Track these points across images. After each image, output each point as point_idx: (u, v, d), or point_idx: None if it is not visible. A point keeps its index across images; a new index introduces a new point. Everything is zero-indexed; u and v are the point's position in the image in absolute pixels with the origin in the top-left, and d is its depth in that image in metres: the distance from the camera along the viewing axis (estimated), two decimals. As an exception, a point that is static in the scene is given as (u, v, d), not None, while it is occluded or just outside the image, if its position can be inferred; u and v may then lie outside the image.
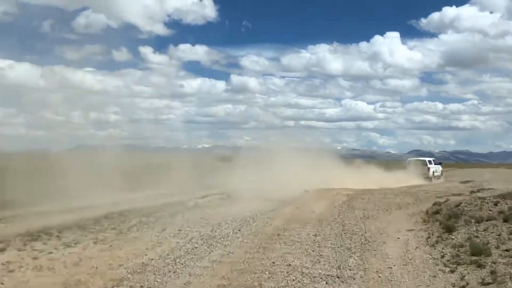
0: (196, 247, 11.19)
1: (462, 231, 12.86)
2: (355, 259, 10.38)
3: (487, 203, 16.29)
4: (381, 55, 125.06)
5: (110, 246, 11.31)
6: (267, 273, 9.25)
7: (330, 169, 36.65)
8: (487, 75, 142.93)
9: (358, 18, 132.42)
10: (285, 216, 15.86)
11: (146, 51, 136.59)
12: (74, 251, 10.79)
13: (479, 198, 18.05)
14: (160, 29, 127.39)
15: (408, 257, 10.65)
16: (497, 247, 10.91)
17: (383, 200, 21.82)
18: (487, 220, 13.99)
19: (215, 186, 26.67)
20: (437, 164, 45.36)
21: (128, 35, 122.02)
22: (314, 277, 9.06)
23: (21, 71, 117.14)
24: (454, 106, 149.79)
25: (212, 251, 10.93)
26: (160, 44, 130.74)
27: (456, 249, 11.20)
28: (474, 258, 10.16)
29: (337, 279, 8.99)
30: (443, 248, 11.29)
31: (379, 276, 9.22)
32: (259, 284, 8.67)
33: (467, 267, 9.68)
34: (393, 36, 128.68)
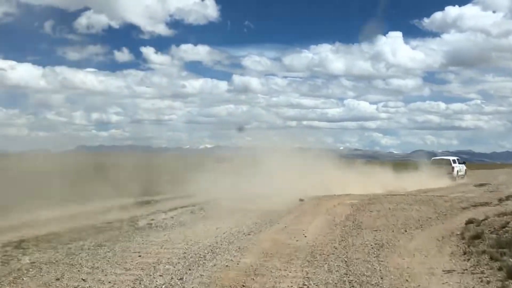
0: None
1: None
2: None
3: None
4: (383, 55, 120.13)
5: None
6: None
7: (332, 171, 31.52)
8: (490, 75, 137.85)
9: (360, 17, 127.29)
10: (263, 245, 10.69)
11: (148, 51, 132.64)
12: None
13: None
14: (162, 29, 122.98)
15: None
16: None
17: (396, 213, 16.79)
18: None
19: (194, 194, 21.67)
20: (461, 163, 42.86)
21: (130, 36, 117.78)
22: None
23: (23, 72, 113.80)
24: (457, 106, 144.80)
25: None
26: (162, 44, 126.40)
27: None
28: None
29: None
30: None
31: None
32: None
33: None
34: (396, 36, 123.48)
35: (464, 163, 44.00)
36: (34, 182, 18.09)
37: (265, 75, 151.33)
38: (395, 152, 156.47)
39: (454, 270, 8.85)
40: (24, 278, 7.91)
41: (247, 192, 22.26)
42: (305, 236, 11.72)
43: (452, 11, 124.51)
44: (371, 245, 11.01)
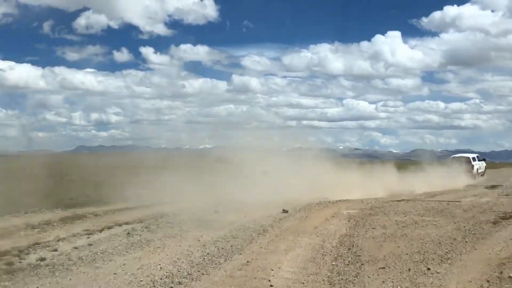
0: None
1: None
2: None
3: None
4: (382, 54, 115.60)
5: None
6: None
7: (328, 173, 26.86)
8: (489, 74, 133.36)
9: (359, 17, 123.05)
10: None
11: (147, 51, 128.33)
12: None
13: None
14: (161, 29, 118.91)
15: None
16: None
17: (407, 231, 12.18)
18: None
19: (158, 202, 17.05)
20: (481, 161, 40.68)
21: (129, 36, 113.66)
22: None
23: (22, 72, 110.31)
24: (456, 105, 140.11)
25: None
26: (161, 44, 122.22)
27: None
28: None
29: None
30: None
31: None
32: None
33: None
34: (395, 35, 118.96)
35: (484, 160, 41.51)
36: None
37: (265, 75, 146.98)
38: (394, 151, 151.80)
39: None
40: None
41: (223, 200, 17.71)
42: (271, 286, 7.13)
43: (450, 10, 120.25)
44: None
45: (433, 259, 9.11)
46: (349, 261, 8.80)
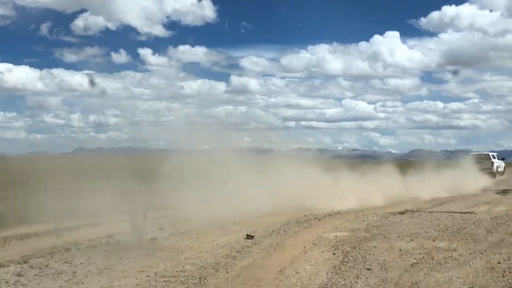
0: None
1: None
2: None
3: None
4: (381, 54, 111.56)
5: None
6: None
7: (319, 177, 22.57)
8: (488, 74, 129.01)
9: (358, 17, 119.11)
10: None
11: (146, 53, 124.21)
12: None
13: None
14: (159, 31, 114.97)
15: None
16: None
17: (418, 275, 7.99)
18: None
19: (82, 223, 12.74)
20: (500, 160, 40.04)
21: (127, 37, 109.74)
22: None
23: (20, 75, 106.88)
24: (454, 105, 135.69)
25: None
26: (160, 45, 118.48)
27: None
28: None
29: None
30: None
31: None
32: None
33: None
34: (393, 36, 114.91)
35: (503, 159, 40.86)
36: None
37: (263, 75, 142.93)
38: (393, 151, 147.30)
39: None
40: None
41: (171, 217, 13.58)
42: None
43: (449, 10, 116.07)
44: None
45: None
46: None
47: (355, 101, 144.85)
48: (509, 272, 8.12)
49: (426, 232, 12.03)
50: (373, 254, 9.33)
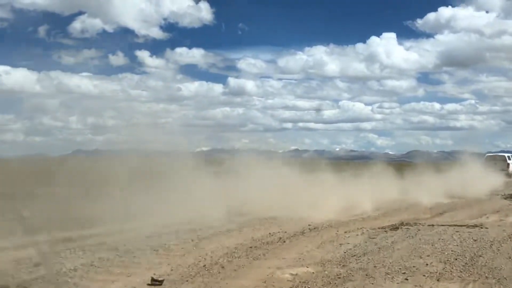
0: None
1: None
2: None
3: None
4: (377, 56, 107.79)
5: None
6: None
7: (298, 182, 18.71)
8: (484, 75, 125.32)
9: (354, 19, 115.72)
10: None
11: (143, 55, 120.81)
12: None
13: None
14: (156, 33, 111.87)
15: None
16: None
17: None
18: None
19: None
20: None
21: (125, 39, 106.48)
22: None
23: (18, 77, 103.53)
24: (451, 106, 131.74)
25: None
26: (157, 47, 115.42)
27: None
28: None
29: None
30: None
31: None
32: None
33: None
34: (390, 37, 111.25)
35: None
36: None
37: (260, 77, 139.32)
38: (390, 152, 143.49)
39: None
40: None
41: (103, 233, 9.76)
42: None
43: (445, 11, 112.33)
44: None
45: None
46: None
47: (352, 102, 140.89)
48: None
49: (427, 264, 8.16)
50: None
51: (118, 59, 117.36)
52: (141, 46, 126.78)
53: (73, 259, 8.01)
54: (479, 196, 24.08)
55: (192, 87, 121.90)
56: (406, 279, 7.22)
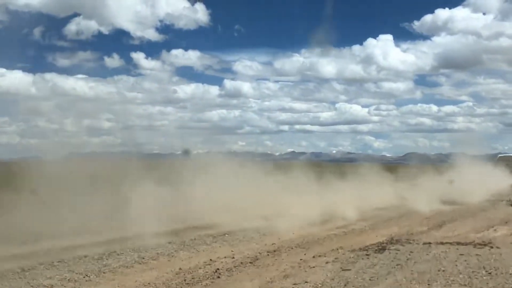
0: None
1: None
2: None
3: None
4: (374, 58, 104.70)
5: None
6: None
7: (263, 186, 15.45)
8: (481, 77, 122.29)
9: (351, 21, 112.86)
10: None
11: (138, 57, 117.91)
12: None
13: None
14: (152, 35, 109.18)
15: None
16: None
17: None
18: None
19: None
20: None
21: (120, 41, 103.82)
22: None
23: (13, 79, 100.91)
24: (448, 108, 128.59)
25: None
26: (153, 49, 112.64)
27: None
28: None
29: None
30: None
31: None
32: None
33: None
34: (386, 39, 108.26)
35: None
36: None
37: (257, 79, 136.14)
38: (387, 155, 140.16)
39: None
40: None
41: None
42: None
43: (442, 13, 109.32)
44: None
45: None
46: None
47: (349, 105, 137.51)
48: None
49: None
50: None
51: (113, 61, 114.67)
52: (136, 48, 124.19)
53: None
54: (481, 202, 20.87)
55: (188, 89, 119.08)
56: None
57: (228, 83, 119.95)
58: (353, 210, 15.35)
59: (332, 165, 34.84)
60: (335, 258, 8.57)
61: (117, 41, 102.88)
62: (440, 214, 16.72)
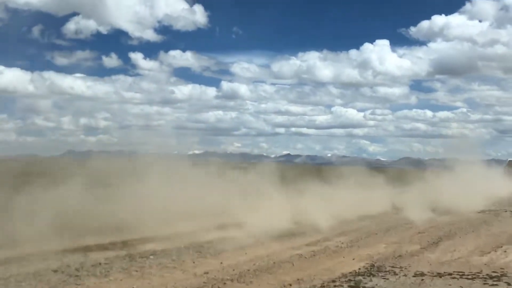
0: None
1: None
2: None
3: None
4: (370, 62, 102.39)
5: None
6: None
7: (214, 189, 12.41)
8: (476, 83, 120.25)
9: (348, 25, 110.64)
10: None
11: (136, 57, 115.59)
12: None
13: None
14: (150, 35, 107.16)
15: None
16: None
17: None
18: None
19: None
20: None
21: (118, 41, 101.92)
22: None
23: (11, 77, 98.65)
24: (443, 114, 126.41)
25: None
26: (151, 50, 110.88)
27: None
28: None
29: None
30: None
31: None
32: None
33: None
34: (383, 44, 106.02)
35: None
36: None
37: (254, 81, 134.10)
38: (382, 159, 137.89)
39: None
40: None
41: None
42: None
43: (438, 20, 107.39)
44: None
45: None
46: None
47: (345, 108, 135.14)
48: None
49: None
50: None
51: (111, 60, 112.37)
52: (135, 48, 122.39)
53: None
54: (481, 212, 17.88)
55: (185, 90, 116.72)
56: None
57: (225, 85, 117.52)
58: (329, 220, 12.36)
59: (322, 168, 31.73)
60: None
61: (115, 41, 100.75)
62: (435, 227, 13.66)
